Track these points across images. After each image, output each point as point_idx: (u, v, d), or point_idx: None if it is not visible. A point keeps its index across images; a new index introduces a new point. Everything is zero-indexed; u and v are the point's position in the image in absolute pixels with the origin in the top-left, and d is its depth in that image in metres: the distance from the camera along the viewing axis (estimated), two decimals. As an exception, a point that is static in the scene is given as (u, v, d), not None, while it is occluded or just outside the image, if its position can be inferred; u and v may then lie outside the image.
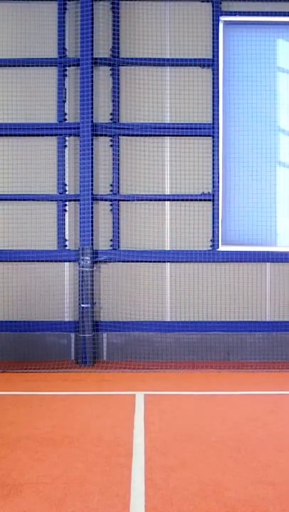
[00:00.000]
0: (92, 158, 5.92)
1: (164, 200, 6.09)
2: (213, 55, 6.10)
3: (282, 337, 5.98)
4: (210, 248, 6.07)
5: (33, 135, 6.09)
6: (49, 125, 6.08)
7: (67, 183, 6.12)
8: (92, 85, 5.92)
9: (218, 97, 6.09)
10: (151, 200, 6.08)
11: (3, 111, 6.09)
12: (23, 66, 6.10)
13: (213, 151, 6.10)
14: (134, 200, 6.09)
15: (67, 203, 6.11)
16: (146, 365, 5.74)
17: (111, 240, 6.06)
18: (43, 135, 6.08)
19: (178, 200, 6.08)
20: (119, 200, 6.09)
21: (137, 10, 6.13)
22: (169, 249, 6.06)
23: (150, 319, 6.01)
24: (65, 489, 2.59)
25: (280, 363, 5.71)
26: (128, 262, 6.04)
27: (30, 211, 6.10)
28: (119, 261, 6.03)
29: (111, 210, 6.10)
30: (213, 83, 6.11)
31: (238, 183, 6.19)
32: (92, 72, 5.92)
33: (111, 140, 6.10)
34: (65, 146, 6.12)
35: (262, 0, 6.12)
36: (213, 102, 6.09)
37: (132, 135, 6.11)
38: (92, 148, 5.93)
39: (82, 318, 5.83)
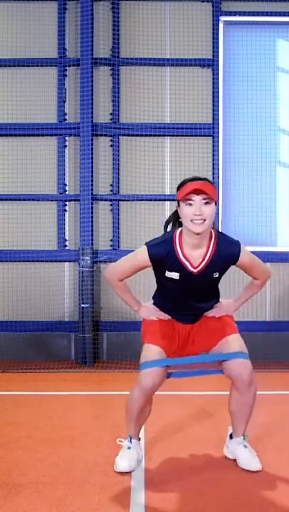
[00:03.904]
0: (92, 158, 5.92)
1: (164, 200, 6.09)
2: (213, 55, 6.09)
3: (282, 337, 5.97)
4: (210, 248, 6.06)
5: (33, 135, 6.09)
6: (49, 125, 6.08)
7: (67, 183, 6.13)
8: (92, 85, 5.92)
9: (218, 97, 6.09)
10: (151, 200, 6.08)
11: (3, 111, 6.09)
12: (23, 66, 6.10)
13: (213, 151, 6.10)
14: (134, 200, 6.09)
15: (67, 203, 6.11)
16: (146, 365, 5.73)
17: (111, 240, 6.06)
18: (43, 135, 6.08)
19: (178, 200, 6.07)
20: (119, 200, 6.09)
21: (137, 10, 6.13)
22: (169, 249, 6.05)
23: (150, 319, 5.99)
24: (65, 489, 2.59)
25: (280, 363, 5.71)
26: (128, 262, 6.02)
27: (30, 211, 6.09)
28: (119, 261, 6.01)
29: (111, 210, 6.10)
30: (213, 83, 6.11)
31: (238, 183, 6.18)
32: (92, 72, 5.92)
33: (111, 140, 6.10)
34: (65, 146, 6.12)
35: (262, 0, 6.12)
36: (213, 102, 6.09)
37: (132, 135, 6.11)
38: (92, 148, 5.93)
39: (82, 318, 5.83)
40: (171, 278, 2.72)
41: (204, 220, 2.58)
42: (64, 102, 6.13)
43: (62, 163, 6.09)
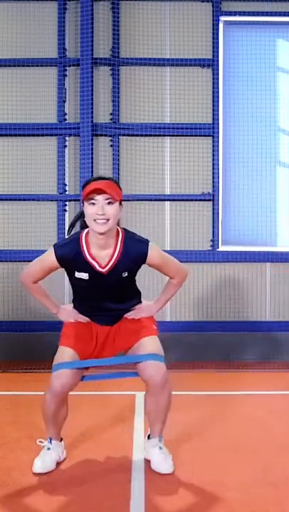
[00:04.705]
0: (92, 158, 5.92)
1: (164, 200, 6.09)
2: (213, 55, 6.09)
3: (282, 337, 5.97)
4: (210, 248, 6.07)
5: (33, 135, 6.09)
6: (49, 125, 6.08)
7: (67, 183, 6.13)
8: (92, 85, 5.92)
9: (218, 97, 6.09)
10: (151, 200, 6.08)
11: (3, 111, 6.09)
12: (23, 66, 6.10)
13: (213, 151, 6.10)
14: (134, 200, 6.09)
15: (67, 203, 6.11)
16: (146, 365, 5.72)
17: (111, 240, 6.05)
18: (43, 135, 6.08)
19: (178, 200, 6.08)
20: (119, 200, 6.08)
21: (137, 10, 6.13)
22: (168, 249, 6.06)
23: (150, 319, 6.00)
24: (65, 489, 2.59)
25: (280, 363, 5.71)
26: (128, 262, 6.02)
27: (30, 211, 6.10)
28: (119, 261, 6.01)
29: (111, 210, 6.09)
30: (213, 83, 6.11)
31: (238, 183, 6.19)
32: (92, 72, 5.92)
33: (111, 140, 6.10)
34: (65, 146, 6.12)
35: (262, 0, 6.12)
36: (213, 102, 6.09)
37: (132, 135, 6.11)
38: (92, 148, 5.93)
39: (82, 318, 5.81)
40: (81, 278, 2.72)
41: (107, 220, 2.59)
42: (64, 102, 6.13)
43: (62, 163, 6.09)
